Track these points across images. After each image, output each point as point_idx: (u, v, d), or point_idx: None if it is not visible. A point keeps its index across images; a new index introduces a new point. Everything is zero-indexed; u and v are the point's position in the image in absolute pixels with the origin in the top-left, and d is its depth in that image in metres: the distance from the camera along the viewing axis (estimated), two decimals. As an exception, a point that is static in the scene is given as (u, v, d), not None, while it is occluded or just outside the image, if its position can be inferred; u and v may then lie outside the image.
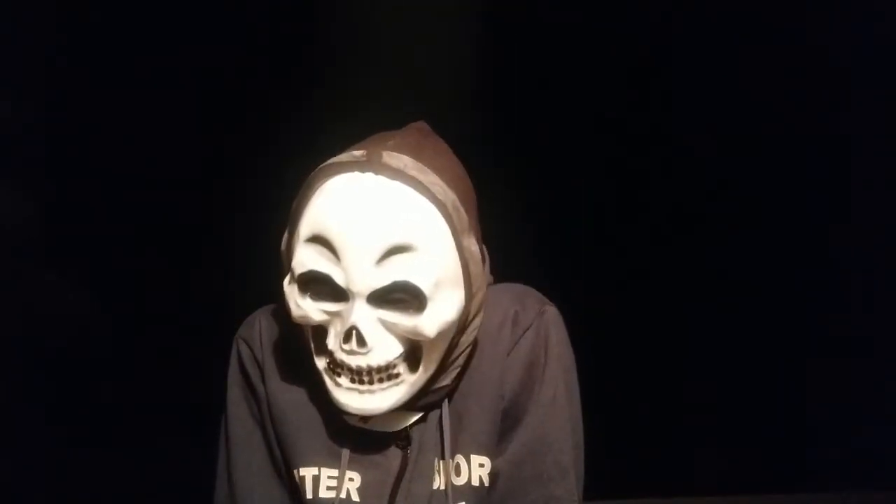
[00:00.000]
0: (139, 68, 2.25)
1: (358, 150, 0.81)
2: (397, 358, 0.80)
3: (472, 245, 0.82)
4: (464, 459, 0.86)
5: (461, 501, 0.85)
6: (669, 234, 2.50)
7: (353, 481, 0.86)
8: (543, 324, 0.90)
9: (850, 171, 2.49)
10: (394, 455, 0.87)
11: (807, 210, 2.51)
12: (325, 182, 0.80)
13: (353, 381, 0.79)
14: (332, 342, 0.79)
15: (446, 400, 0.88)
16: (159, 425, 2.22)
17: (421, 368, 0.81)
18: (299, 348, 0.87)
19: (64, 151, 2.24)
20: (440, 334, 0.79)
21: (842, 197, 2.49)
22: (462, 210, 0.80)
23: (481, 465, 0.86)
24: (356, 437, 0.86)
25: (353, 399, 0.80)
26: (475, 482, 0.86)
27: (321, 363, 0.82)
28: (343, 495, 0.84)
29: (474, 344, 0.88)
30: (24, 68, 2.17)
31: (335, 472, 0.85)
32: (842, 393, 2.42)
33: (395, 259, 0.75)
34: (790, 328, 2.50)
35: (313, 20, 2.30)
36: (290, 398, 0.89)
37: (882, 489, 2.32)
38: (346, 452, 0.85)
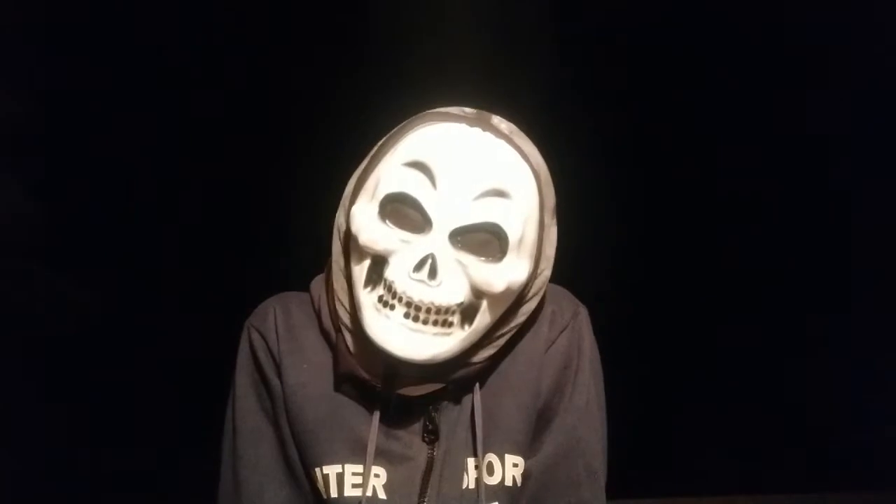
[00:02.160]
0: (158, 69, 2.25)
1: (464, 109, 0.80)
2: (458, 305, 0.75)
3: (552, 226, 0.83)
4: (497, 458, 0.81)
5: (494, 502, 0.80)
6: (668, 234, 2.50)
7: (378, 477, 0.80)
8: (578, 325, 0.91)
9: (850, 172, 2.49)
10: (420, 449, 0.82)
11: (805, 211, 2.51)
12: (432, 124, 0.78)
13: (406, 315, 0.74)
14: (397, 271, 0.74)
15: (478, 392, 0.82)
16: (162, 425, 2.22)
17: (473, 326, 0.77)
18: (318, 338, 0.85)
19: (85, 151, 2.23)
20: (504, 293, 0.76)
21: (841, 198, 2.49)
22: (552, 187, 0.82)
23: (515, 465, 0.81)
24: (381, 431, 0.81)
25: (398, 338, 0.74)
26: (508, 482, 0.81)
27: (370, 297, 0.76)
28: (369, 493, 0.79)
29: (517, 332, 0.85)
30: (52, 73, 2.17)
31: (360, 469, 0.79)
32: (842, 393, 2.42)
33: (492, 201, 0.74)
34: (790, 328, 2.50)
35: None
36: (309, 393, 0.83)
37: (882, 489, 2.32)
38: (371, 447, 0.79)
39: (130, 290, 2.29)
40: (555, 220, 0.84)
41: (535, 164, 0.80)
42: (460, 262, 0.75)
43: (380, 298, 0.76)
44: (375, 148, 0.82)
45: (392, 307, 0.75)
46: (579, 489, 0.84)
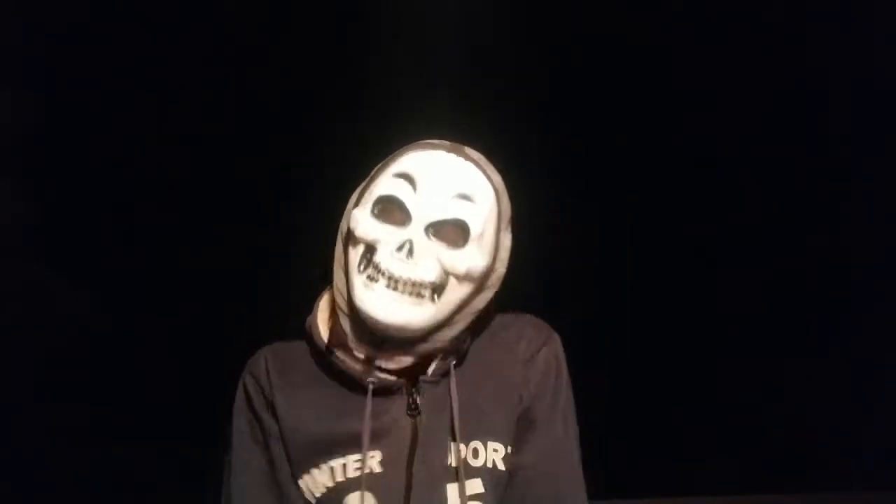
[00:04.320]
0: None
1: (444, 142, 1.03)
2: (430, 282, 0.94)
3: (507, 236, 1.03)
4: (482, 444, 0.98)
5: (476, 478, 0.97)
6: (666, 235, 2.50)
7: (374, 458, 0.97)
8: (553, 343, 1.07)
9: (850, 172, 2.49)
10: (406, 423, 0.99)
11: (803, 211, 2.51)
12: (419, 149, 1.01)
13: (388, 286, 0.93)
14: (383, 254, 0.94)
15: (454, 377, 1.00)
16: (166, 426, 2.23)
17: (441, 300, 0.95)
18: (309, 365, 1.03)
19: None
20: (466, 275, 0.96)
21: (841, 199, 2.49)
22: (509, 204, 1.03)
23: (495, 451, 0.98)
24: (373, 419, 0.97)
25: (380, 305, 0.93)
26: (489, 464, 0.98)
27: (361, 277, 0.95)
28: (367, 469, 0.95)
29: (481, 324, 1.04)
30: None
31: (359, 456, 0.96)
32: (842, 393, 2.42)
33: (460, 202, 0.96)
34: (790, 328, 2.50)
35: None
36: (301, 413, 1.00)
37: (882, 489, 2.32)
38: (367, 431, 0.95)
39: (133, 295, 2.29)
40: (509, 231, 1.04)
41: (496, 183, 1.01)
42: (433, 249, 0.95)
43: (368, 276, 0.95)
44: (375, 169, 1.03)
45: (376, 279, 0.94)
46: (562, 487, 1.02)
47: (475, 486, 0.97)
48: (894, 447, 2.35)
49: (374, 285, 0.93)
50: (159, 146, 2.33)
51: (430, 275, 0.94)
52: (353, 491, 0.95)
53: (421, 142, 1.02)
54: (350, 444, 0.97)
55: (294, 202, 2.32)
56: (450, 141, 1.03)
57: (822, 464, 2.41)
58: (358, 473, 0.96)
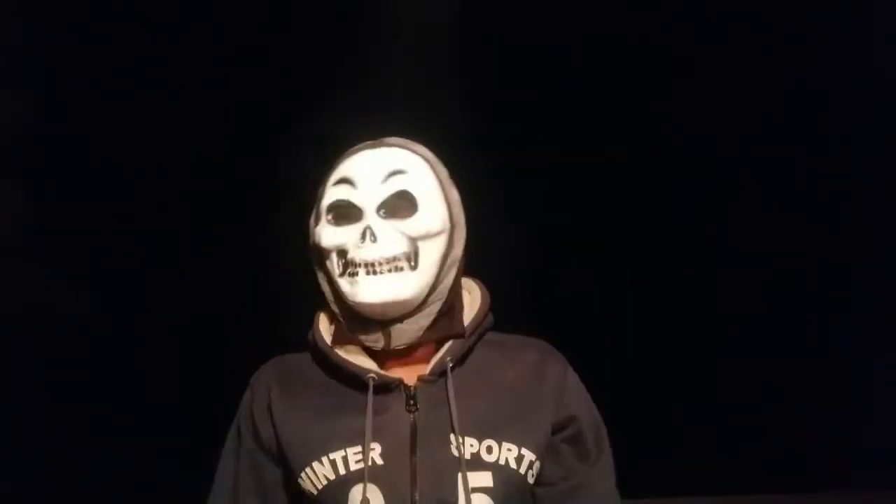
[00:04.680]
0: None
1: (366, 142, 1.11)
2: (401, 253, 1.02)
3: (452, 191, 1.11)
4: (496, 443, 1.02)
5: (486, 471, 1.01)
6: (666, 234, 2.50)
7: (374, 450, 1.01)
8: (570, 369, 1.12)
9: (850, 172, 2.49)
10: (405, 418, 1.03)
11: (803, 211, 2.51)
12: (346, 158, 1.10)
13: (367, 272, 1.01)
14: (352, 250, 1.02)
15: (450, 377, 1.05)
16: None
17: (419, 266, 1.03)
18: (309, 378, 1.09)
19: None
20: (429, 234, 1.04)
21: (841, 199, 2.49)
22: (443, 168, 1.11)
23: (509, 450, 1.02)
24: (374, 414, 1.02)
25: (366, 288, 1.01)
26: (502, 462, 1.01)
27: (344, 279, 1.03)
28: (369, 462, 0.99)
29: (484, 332, 1.11)
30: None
31: (359, 448, 1.01)
32: (842, 393, 2.42)
33: (394, 178, 1.04)
34: (790, 328, 2.50)
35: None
36: (302, 416, 1.06)
37: (882, 489, 2.32)
38: (368, 423, 1.01)
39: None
40: (453, 186, 1.11)
41: (423, 153, 1.10)
42: (391, 225, 1.02)
43: (349, 273, 1.02)
44: (319, 189, 1.11)
45: (356, 273, 1.01)
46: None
47: (485, 478, 1.01)
48: (894, 447, 2.35)
49: (356, 279, 1.01)
50: (159, 146, 2.33)
51: (399, 247, 1.02)
52: (357, 483, 0.99)
53: (348, 150, 1.11)
54: (351, 438, 1.01)
55: (294, 202, 2.32)
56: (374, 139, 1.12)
57: (822, 464, 2.41)
58: (360, 466, 1.00)
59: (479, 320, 1.11)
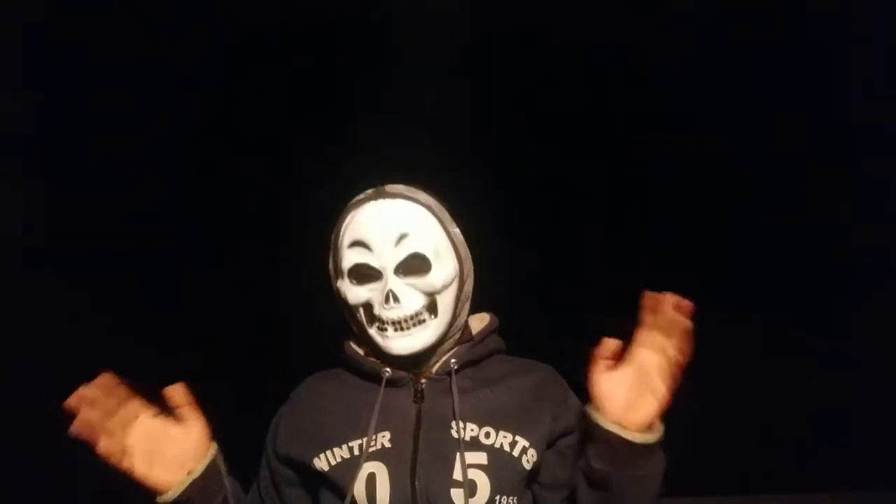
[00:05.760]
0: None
1: (366, 191, 1.24)
2: (421, 308, 1.18)
3: (455, 230, 1.24)
4: (493, 430, 1.15)
5: (482, 452, 1.13)
6: (666, 234, 2.51)
7: (385, 436, 1.15)
8: (572, 393, 1.25)
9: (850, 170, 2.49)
10: (411, 408, 1.19)
11: (803, 211, 2.51)
12: (350, 213, 1.22)
13: (395, 329, 1.17)
14: (378, 308, 1.17)
15: (454, 374, 1.20)
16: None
17: (439, 315, 1.19)
18: (334, 383, 1.27)
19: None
20: (444, 286, 1.19)
21: (841, 199, 2.49)
22: (443, 209, 1.24)
23: (505, 437, 1.15)
24: (383, 408, 1.18)
25: (397, 343, 1.17)
26: (497, 445, 1.14)
27: (373, 330, 1.19)
28: (379, 446, 1.14)
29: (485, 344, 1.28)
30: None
31: (372, 436, 1.15)
32: (842, 393, 2.42)
33: (405, 240, 1.17)
34: (790, 328, 2.50)
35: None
36: (325, 416, 1.21)
37: (882, 489, 2.32)
38: (377, 405, 1.17)
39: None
40: (454, 224, 1.24)
41: (424, 201, 1.21)
42: (409, 284, 1.17)
43: (378, 328, 1.19)
44: (332, 239, 1.25)
45: (385, 329, 1.18)
46: None
47: (480, 457, 1.13)
48: (894, 447, 2.35)
49: (386, 334, 1.18)
50: (160, 146, 2.33)
51: (418, 304, 1.17)
52: (367, 461, 1.13)
53: (352, 203, 1.23)
54: (366, 430, 1.16)
55: (295, 203, 2.33)
56: (374, 187, 1.22)
57: (822, 464, 2.41)
58: (371, 448, 1.14)
59: (486, 331, 1.27)
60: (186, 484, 1.08)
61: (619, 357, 1.12)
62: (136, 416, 1.09)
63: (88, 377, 1.08)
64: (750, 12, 2.35)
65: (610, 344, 1.12)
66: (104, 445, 1.06)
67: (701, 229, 2.50)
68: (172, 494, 1.07)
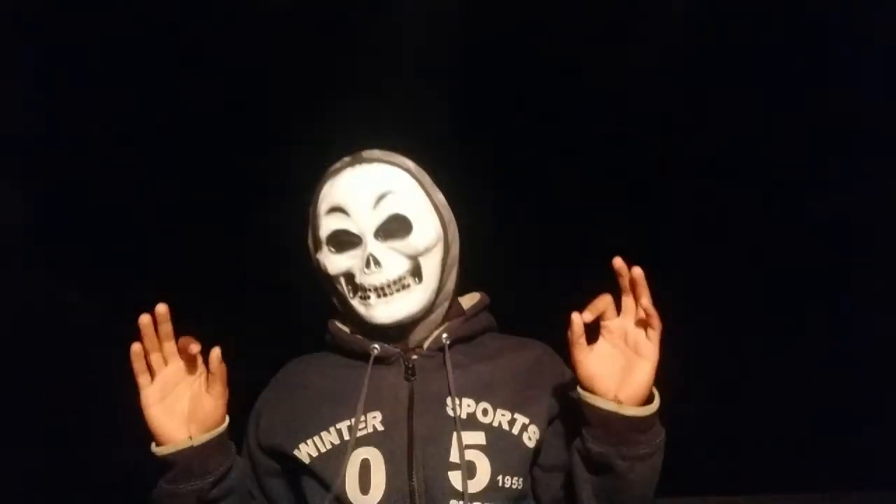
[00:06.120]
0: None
1: (343, 158, 1.18)
2: (405, 272, 1.11)
3: (437, 195, 1.17)
4: (491, 407, 1.10)
5: (480, 431, 1.08)
6: (665, 233, 2.51)
7: (376, 418, 1.09)
8: (568, 370, 1.15)
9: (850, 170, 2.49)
10: (403, 388, 1.12)
11: (803, 211, 2.51)
12: (327, 181, 1.16)
13: (378, 296, 1.10)
14: (359, 276, 1.10)
15: (447, 349, 1.14)
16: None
17: (424, 280, 1.12)
18: (320, 363, 1.20)
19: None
20: (427, 248, 1.12)
21: (841, 199, 2.49)
22: (424, 173, 1.17)
23: (503, 415, 1.10)
24: (373, 387, 1.11)
25: (381, 310, 1.10)
26: (495, 424, 1.09)
27: (356, 301, 1.13)
28: (370, 429, 1.08)
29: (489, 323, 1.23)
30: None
31: (361, 418, 1.09)
32: (842, 393, 2.42)
33: (384, 202, 1.11)
34: (789, 328, 2.50)
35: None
36: (315, 393, 1.15)
37: (882, 489, 2.32)
38: (363, 392, 1.09)
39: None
40: (436, 189, 1.18)
41: (401, 163, 1.15)
42: (390, 248, 1.10)
43: (360, 297, 1.12)
44: (309, 210, 1.19)
45: (368, 297, 1.11)
46: None
47: (478, 437, 1.08)
48: (894, 447, 2.35)
49: (368, 301, 1.11)
50: (159, 146, 2.33)
51: (401, 268, 1.11)
52: (358, 447, 1.07)
53: (328, 170, 1.17)
54: (353, 409, 1.09)
55: (294, 201, 2.32)
56: (351, 154, 1.17)
57: (823, 464, 2.41)
58: (363, 433, 1.08)
59: (478, 307, 1.21)
60: (181, 447, 1.02)
61: (593, 331, 1.02)
62: (172, 359, 1.03)
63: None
64: (750, 12, 2.35)
65: (580, 318, 0.99)
66: (141, 374, 1.02)
67: (701, 228, 2.51)
68: (165, 451, 1.02)
